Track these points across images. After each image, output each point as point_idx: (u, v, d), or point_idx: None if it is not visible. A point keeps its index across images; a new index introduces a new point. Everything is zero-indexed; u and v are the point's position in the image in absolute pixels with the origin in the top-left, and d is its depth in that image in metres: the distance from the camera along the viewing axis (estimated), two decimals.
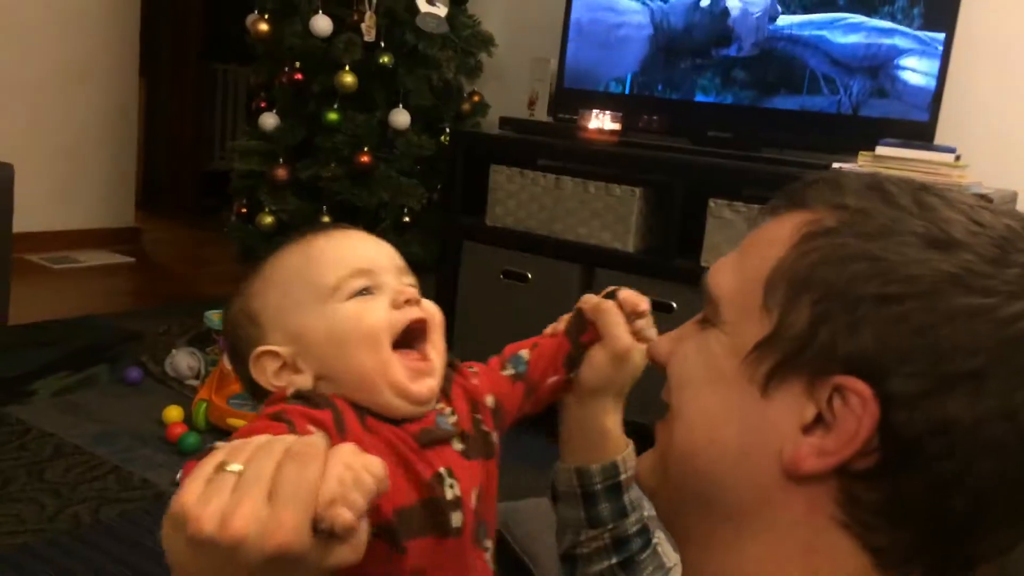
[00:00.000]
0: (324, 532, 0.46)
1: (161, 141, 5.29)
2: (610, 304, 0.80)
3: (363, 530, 0.48)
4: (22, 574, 1.61)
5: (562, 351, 0.81)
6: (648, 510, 0.84)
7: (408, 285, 0.73)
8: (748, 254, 0.55)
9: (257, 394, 0.73)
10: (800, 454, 0.48)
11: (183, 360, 2.60)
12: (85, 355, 2.71)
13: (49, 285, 3.57)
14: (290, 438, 0.50)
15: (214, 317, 2.64)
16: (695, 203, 2.29)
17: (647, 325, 0.80)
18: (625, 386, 0.82)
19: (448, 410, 0.73)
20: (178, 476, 0.63)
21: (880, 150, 2.07)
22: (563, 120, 2.71)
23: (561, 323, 0.84)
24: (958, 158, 2.04)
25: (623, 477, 0.82)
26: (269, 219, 2.75)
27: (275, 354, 0.70)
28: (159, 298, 3.54)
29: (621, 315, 0.80)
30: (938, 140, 2.20)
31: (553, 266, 2.45)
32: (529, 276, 2.49)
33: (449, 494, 0.69)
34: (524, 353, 0.82)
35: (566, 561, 0.85)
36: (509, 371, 0.81)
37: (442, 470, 0.69)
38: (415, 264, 0.76)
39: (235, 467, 0.47)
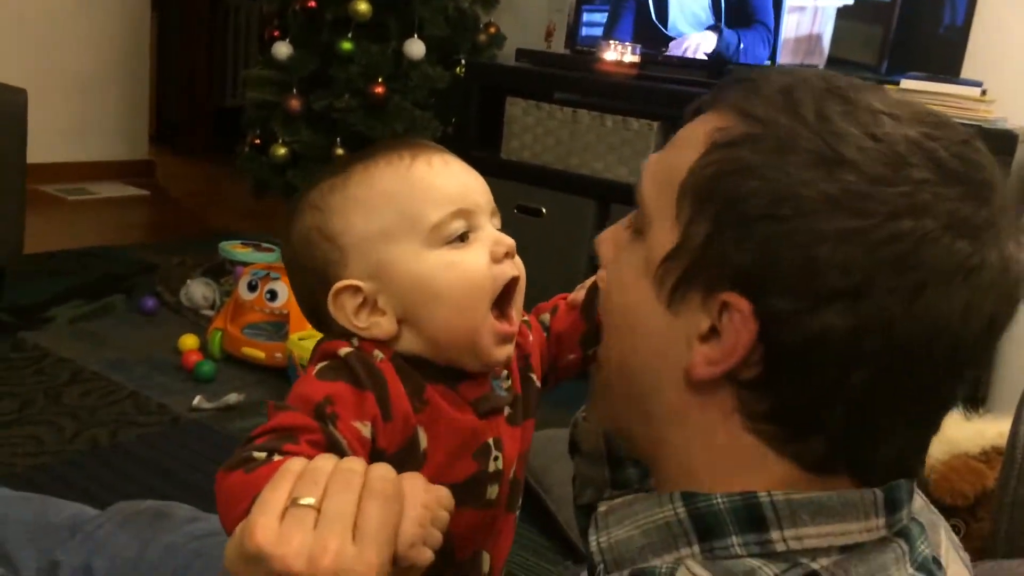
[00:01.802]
0: (403, 567, 0.50)
1: (174, 76, 5.24)
2: None
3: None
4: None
5: (578, 330, 0.78)
6: None
7: (496, 222, 0.69)
8: (669, 155, 0.55)
9: (321, 324, 0.69)
10: (694, 362, 0.51)
11: (198, 290, 2.61)
12: (101, 284, 2.73)
13: (64, 216, 3.57)
14: (360, 467, 0.50)
15: (229, 248, 2.65)
16: None
17: None
18: None
19: (504, 372, 0.71)
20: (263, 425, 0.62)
21: (905, 83, 2.03)
22: (580, 52, 2.67)
23: (580, 292, 0.79)
24: (984, 92, 2.00)
25: None
26: (282, 151, 2.73)
27: (356, 289, 0.65)
28: (173, 230, 3.54)
29: None
30: (964, 75, 2.15)
31: (568, 201, 2.43)
32: (544, 211, 2.47)
33: (492, 467, 0.68)
34: (546, 317, 0.80)
35: (583, 512, 0.84)
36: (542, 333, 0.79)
37: (490, 441, 0.68)
38: None
39: (309, 500, 0.48)
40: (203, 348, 2.30)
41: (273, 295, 2.29)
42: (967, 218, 0.47)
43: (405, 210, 0.65)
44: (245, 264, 2.46)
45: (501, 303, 0.67)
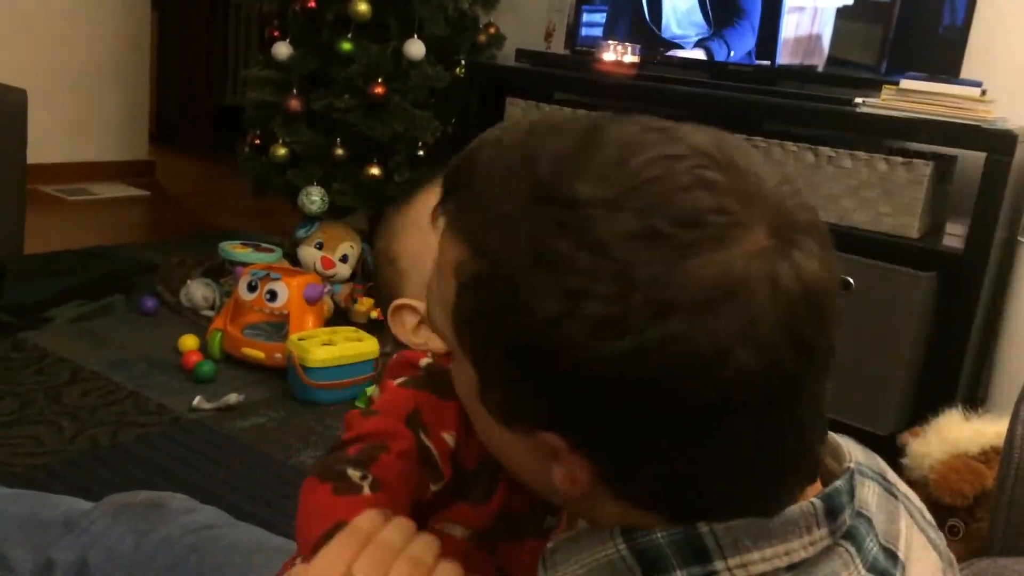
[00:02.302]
0: None
1: (174, 76, 5.25)
2: None
3: None
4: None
5: None
6: None
7: None
8: (435, 277, 0.53)
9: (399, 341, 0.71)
10: (557, 480, 0.50)
11: (198, 290, 2.61)
12: (101, 284, 2.73)
13: (64, 216, 3.58)
14: (430, 559, 0.49)
15: (228, 248, 2.65)
16: None
17: None
18: None
19: None
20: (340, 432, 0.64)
21: (905, 83, 2.03)
22: (580, 53, 2.67)
23: None
24: (984, 92, 2.00)
25: None
26: (282, 150, 2.73)
27: (413, 308, 0.67)
28: (173, 230, 3.54)
29: None
30: (964, 75, 2.15)
31: None
32: None
33: None
34: None
35: None
36: None
37: None
38: None
39: None
40: (203, 348, 2.30)
41: (273, 295, 2.29)
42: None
43: None
44: (245, 264, 2.46)
45: None
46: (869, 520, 0.53)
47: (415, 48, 2.65)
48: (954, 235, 2.09)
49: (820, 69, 2.38)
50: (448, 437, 0.60)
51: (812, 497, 0.49)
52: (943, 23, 2.22)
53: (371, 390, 0.66)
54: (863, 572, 0.50)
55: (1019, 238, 2.06)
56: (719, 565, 0.48)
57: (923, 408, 1.69)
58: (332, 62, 2.67)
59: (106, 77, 4.04)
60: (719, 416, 0.44)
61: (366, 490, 0.55)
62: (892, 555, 0.52)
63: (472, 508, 0.63)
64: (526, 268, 0.45)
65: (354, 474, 0.56)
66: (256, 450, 1.89)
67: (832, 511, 0.50)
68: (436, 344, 0.65)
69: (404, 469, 0.57)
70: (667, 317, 0.42)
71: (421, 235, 0.66)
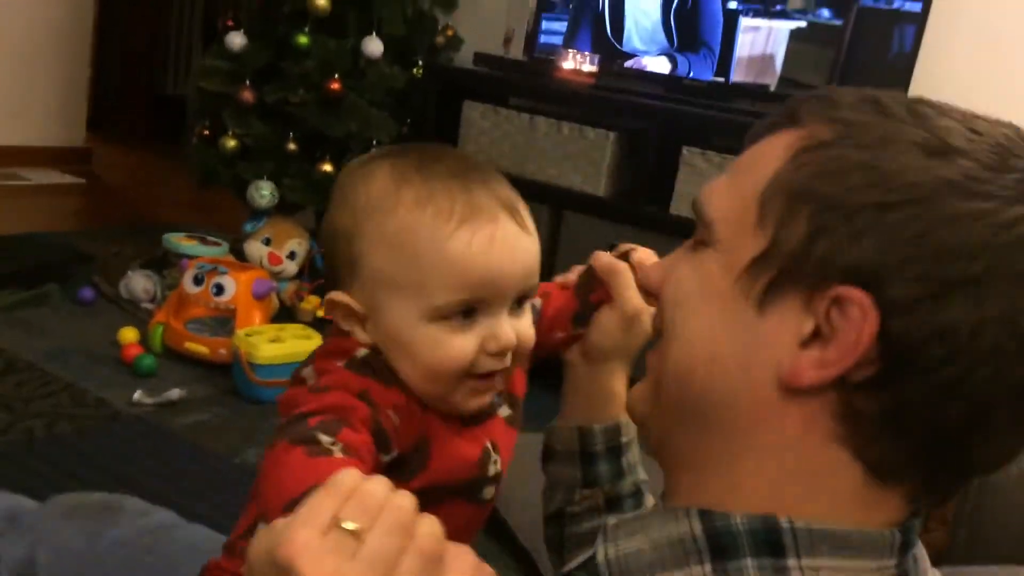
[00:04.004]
0: None
1: (114, 61, 5.09)
2: (623, 265, 0.76)
3: None
4: None
5: (570, 308, 0.78)
6: (643, 475, 0.84)
7: (517, 307, 0.67)
8: (741, 173, 0.54)
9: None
10: (799, 366, 0.48)
11: (139, 282, 2.54)
12: (35, 272, 2.63)
13: None
14: (413, 509, 0.48)
15: (174, 240, 2.58)
16: (668, 150, 2.29)
17: None
18: (634, 350, 0.80)
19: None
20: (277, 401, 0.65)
21: None
22: (539, 60, 2.68)
23: (573, 274, 0.80)
24: None
25: (624, 440, 0.81)
26: (232, 143, 2.68)
27: (350, 308, 0.66)
28: (110, 220, 3.44)
29: (633, 277, 0.75)
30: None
31: None
32: None
33: (492, 470, 0.69)
34: (537, 303, 0.79)
35: (551, 522, 0.84)
36: None
37: (488, 444, 0.69)
38: None
39: (351, 526, 0.46)
40: (143, 341, 2.23)
41: (220, 289, 2.24)
42: None
43: (420, 278, 0.63)
44: (191, 257, 2.40)
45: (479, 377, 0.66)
46: (916, 559, 0.53)
47: (373, 45, 2.62)
48: None
49: (772, 88, 2.44)
50: (394, 416, 0.61)
51: (892, 527, 0.50)
52: (892, 49, 2.30)
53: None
54: None
55: None
56: (791, 562, 0.48)
57: None
58: (287, 55, 2.63)
59: (44, 59, 3.90)
60: None
61: (338, 454, 0.55)
62: None
63: (401, 483, 0.62)
64: (902, 127, 0.48)
65: (324, 439, 0.55)
66: (199, 447, 1.84)
67: (906, 545, 0.50)
68: (362, 338, 0.66)
69: (366, 440, 0.58)
70: None
71: (389, 253, 0.64)
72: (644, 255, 0.76)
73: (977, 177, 0.46)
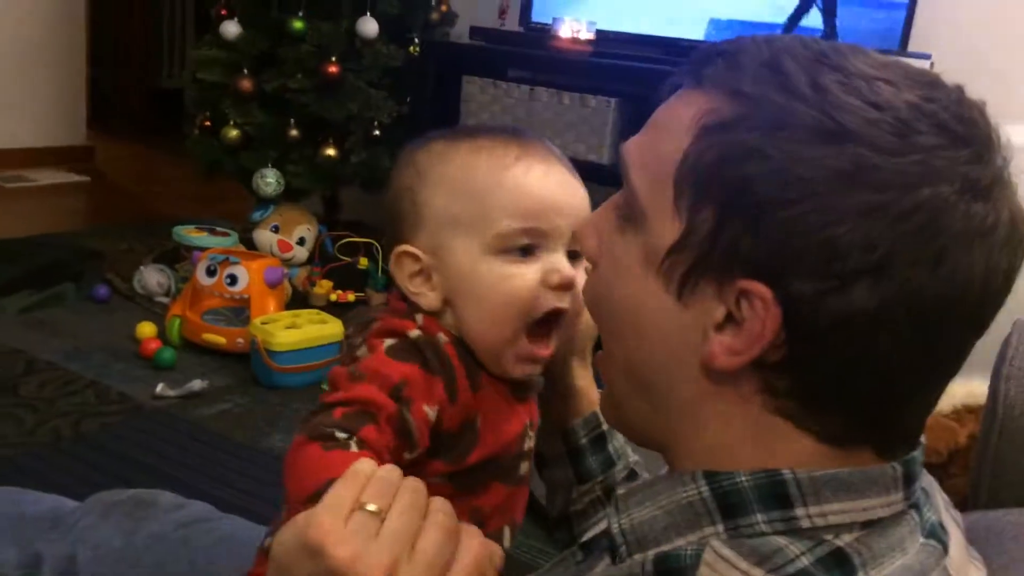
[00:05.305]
0: None
1: (109, 57, 5.08)
2: None
3: None
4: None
5: None
6: (633, 456, 0.84)
7: (577, 249, 0.67)
8: (655, 139, 0.54)
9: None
10: (713, 352, 0.50)
11: (152, 277, 2.55)
12: (48, 273, 2.65)
13: (2, 204, 3.46)
14: (425, 490, 0.52)
15: (184, 233, 2.59)
16: None
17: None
18: (586, 346, 0.79)
19: None
20: (323, 385, 0.65)
21: None
22: (535, 30, 2.67)
23: None
24: (932, 65, 2.06)
25: (605, 427, 0.82)
26: (234, 132, 2.68)
27: (416, 257, 0.67)
28: (117, 216, 3.45)
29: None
30: (912, 48, 2.21)
31: None
32: None
33: (527, 446, 0.71)
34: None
35: (560, 526, 0.85)
36: None
37: (528, 423, 0.71)
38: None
39: (374, 508, 0.50)
40: (161, 335, 2.25)
41: (233, 279, 2.25)
42: (978, 180, 0.46)
43: (481, 209, 0.66)
44: (201, 249, 2.42)
45: (540, 328, 0.67)
46: (926, 492, 0.54)
47: (368, 26, 2.61)
48: None
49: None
50: (429, 410, 0.62)
51: (893, 462, 0.50)
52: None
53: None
54: (922, 539, 0.51)
55: None
56: (799, 512, 0.49)
57: None
58: (283, 41, 2.63)
59: (41, 59, 3.90)
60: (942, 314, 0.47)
61: (354, 447, 0.57)
62: (942, 526, 0.54)
63: (446, 464, 0.66)
64: (798, 106, 0.47)
65: (341, 436, 0.58)
66: (224, 436, 1.86)
67: (909, 477, 0.51)
68: (426, 300, 0.67)
69: (386, 439, 0.59)
70: (933, 187, 0.45)
71: (451, 192, 0.67)
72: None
73: (872, 165, 0.45)
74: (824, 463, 0.50)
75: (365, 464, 0.52)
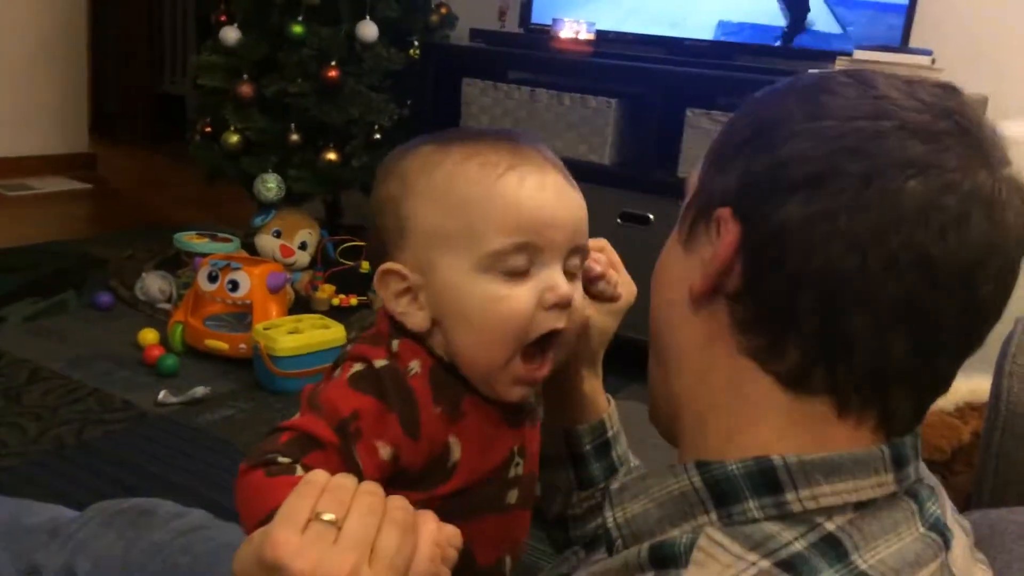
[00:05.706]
0: None
1: (110, 63, 5.10)
2: None
3: None
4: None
5: None
6: (635, 460, 0.84)
7: (574, 262, 0.65)
8: None
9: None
10: (694, 281, 0.54)
11: (154, 283, 2.56)
12: (52, 281, 2.66)
13: (5, 212, 3.46)
14: (381, 492, 0.52)
15: (185, 239, 2.59)
16: (672, 113, 2.27)
17: (607, 283, 0.74)
18: (596, 353, 0.78)
19: None
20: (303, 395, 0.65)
21: (857, 54, 2.07)
22: (535, 31, 2.66)
23: None
24: (933, 61, 2.05)
25: (610, 434, 0.81)
26: (235, 138, 2.68)
27: (402, 275, 0.63)
28: (120, 224, 3.45)
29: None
30: (913, 44, 2.20)
31: None
32: None
33: (512, 473, 0.67)
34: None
35: (555, 527, 0.84)
36: None
37: (515, 449, 0.67)
38: None
39: (331, 517, 0.50)
40: (164, 342, 2.25)
41: (235, 285, 2.25)
42: (925, 125, 0.49)
43: (472, 224, 0.61)
44: (203, 255, 2.42)
45: (535, 347, 0.63)
46: (932, 488, 0.54)
47: (368, 30, 2.62)
48: None
49: (776, 43, 2.42)
50: (382, 447, 0.59)
51: (881, 444, 0.51)
52: None
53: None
54: (922, 529, 0.51)
55: None
56: (790, 496, 0.49)
57: None
58: (283, 46, 2.63)
59: (42, 67, 3.91)
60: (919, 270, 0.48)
61: (299, 471, 0.56)
62: (946, 525, 0.54)
63: (416, 494, 0.61)
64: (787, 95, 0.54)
65: (284, 460, 0.57)
66: (227, 442, 1.86)
67: (898, 460, 0.51)
68: (412, 320, 0.64)
69: (333, 465, 0.57)
70: (871, 120, 0.50)
71: (438, 206, 0.63)
72: (591, 260, 0.73)
73: (829, 105, 0.51)
74: (793, 415, 0.51)
75: (319, 475, 0.53)
